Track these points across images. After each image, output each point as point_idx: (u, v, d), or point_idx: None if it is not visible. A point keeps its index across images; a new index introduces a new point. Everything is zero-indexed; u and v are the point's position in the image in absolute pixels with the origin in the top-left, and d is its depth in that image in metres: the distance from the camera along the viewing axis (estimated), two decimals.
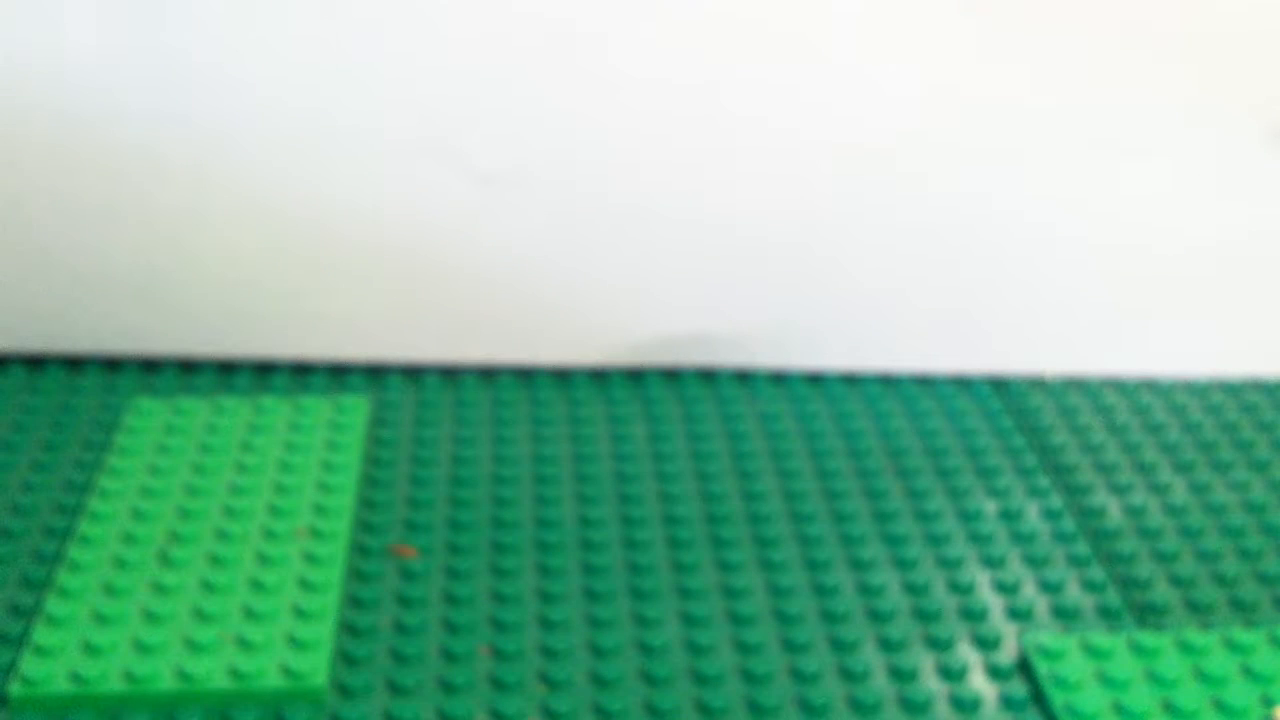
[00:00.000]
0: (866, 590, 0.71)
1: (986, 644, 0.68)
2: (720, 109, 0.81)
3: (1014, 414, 0.86)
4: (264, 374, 0.87)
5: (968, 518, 0.76)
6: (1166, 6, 0.81)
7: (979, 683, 0.66)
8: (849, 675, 0.66)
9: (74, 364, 0.87)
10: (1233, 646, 0.66)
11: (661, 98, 0.81)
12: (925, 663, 0.67)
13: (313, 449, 0.79)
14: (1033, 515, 0.77)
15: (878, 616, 0.69)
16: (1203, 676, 0.65)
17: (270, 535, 0.72)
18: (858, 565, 0.73)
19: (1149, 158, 0.83)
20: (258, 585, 0.69)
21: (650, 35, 0.80)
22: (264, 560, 0.70)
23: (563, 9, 0.79)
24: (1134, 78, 0.82)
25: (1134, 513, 0.77)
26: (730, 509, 0.76)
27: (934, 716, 0.63)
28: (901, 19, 0.80)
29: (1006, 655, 0.67)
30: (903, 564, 0.73)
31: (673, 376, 0.88)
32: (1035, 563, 0.73)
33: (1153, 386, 0.88)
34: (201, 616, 0.67)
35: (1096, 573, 0.72)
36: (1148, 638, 0.67)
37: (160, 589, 0.68)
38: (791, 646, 0.67)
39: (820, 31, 0.80)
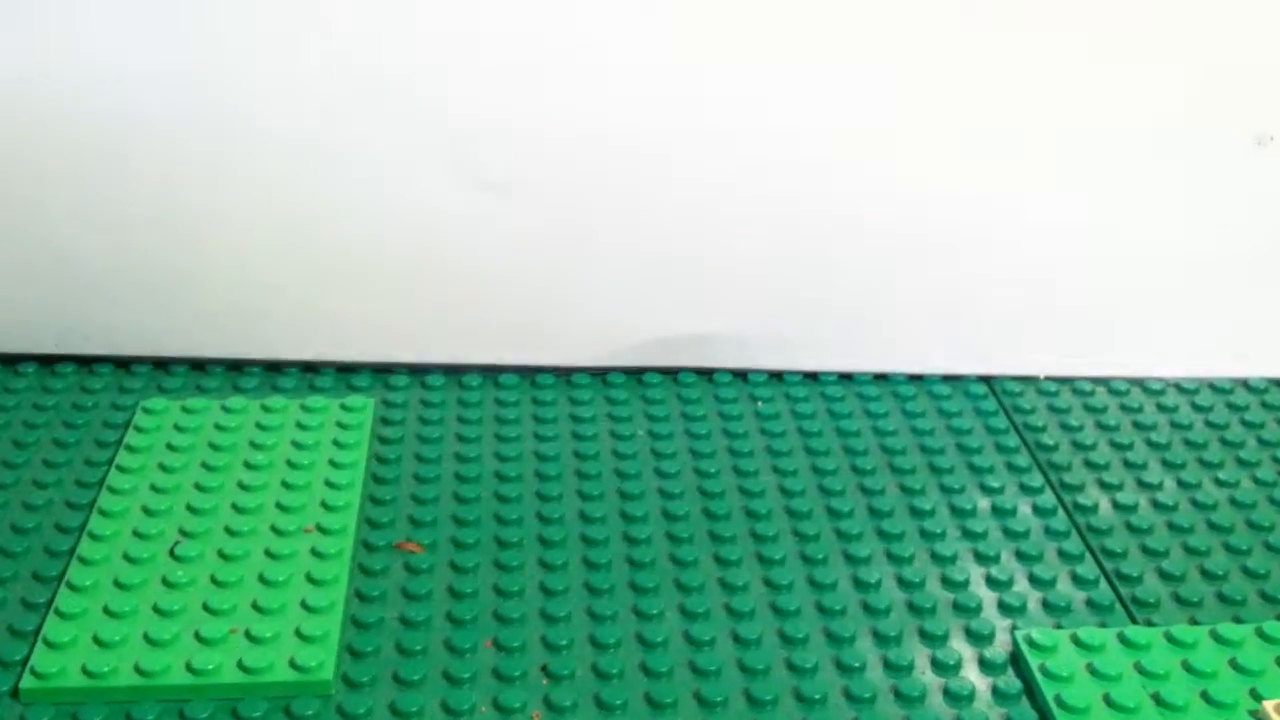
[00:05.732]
0: (862, 585, 0.71)
1: (979, 638, 0.68)
2: (718, 112, 0.81)
3: (1007, 413, 0.86)
4: (273, 374, 0.87)
5: (961, 515, 0.77)
6: (1161, 11, 0.81)
7: (972, 676, 0.66)
8: (844, 668, 0.66)
9: (87, 364, 0.87)
10: (1221, 641, 0.67)
11: (660, 101, 0.81)
12: (919, 656, 0.67)
13: (320, 448, 0.79)
14: (1025, 512, 0.77)
15: (873, 611, 0.70)
16: (1192, 670, 0.65)
17: (278, 532, 0.72)
18: (853, 561, 0.73)
19: (1141, 161, 0.83)
20: (266, 581, 0.69)
21: (649, 40, 0.80)
22: (272, 556, 0.71)
23: (563, 14, 0.79)
24: (1128, 81, 0.82)
25: (1124, 510, 0.78)
26: (728, 506, 0.77)
27: (927, 709, 0.64)
28: (899, 20, 0.80)
29: (999, 649, 0.68)
30: (897, 560, 0.73)
31: (673, 376, 0.89)
32: (1027, 559, 0.74)
33: (1143, 387, 0.89)
34: (210, 612, 0.67)
35: (1087, 569, 0.73)
36: (1138, 632, 0.67)
37: (170, 585, 0.68)
38: (788, 640, 0.68)
39: (816, 33, 0.80)
